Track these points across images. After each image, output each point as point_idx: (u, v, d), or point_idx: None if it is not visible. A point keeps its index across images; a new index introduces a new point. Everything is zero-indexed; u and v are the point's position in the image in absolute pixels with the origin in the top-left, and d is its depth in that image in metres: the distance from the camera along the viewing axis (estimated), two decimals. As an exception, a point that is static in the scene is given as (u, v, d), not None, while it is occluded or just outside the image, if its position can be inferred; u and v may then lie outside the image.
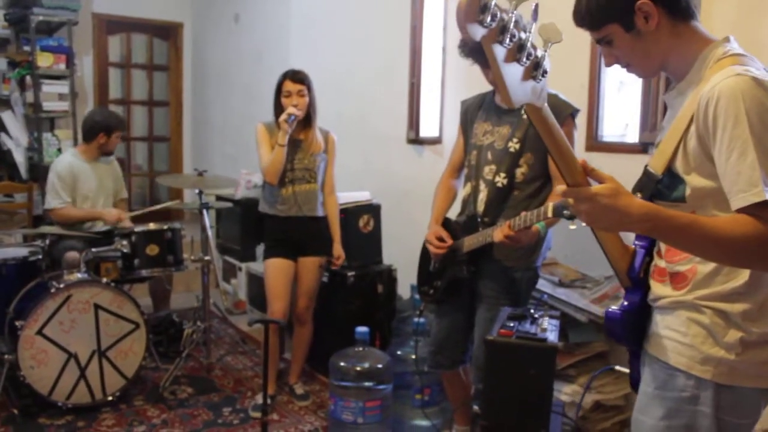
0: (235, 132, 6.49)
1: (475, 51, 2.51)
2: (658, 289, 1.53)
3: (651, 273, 1.56)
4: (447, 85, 4.07)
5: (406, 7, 4.26)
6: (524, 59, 1.15)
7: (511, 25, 1.09)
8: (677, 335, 1.47)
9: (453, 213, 2.88)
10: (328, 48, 5.07)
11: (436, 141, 4.11)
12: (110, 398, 3.53)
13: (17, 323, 3.33)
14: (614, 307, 1.59)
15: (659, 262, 1.54)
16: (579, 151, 2.96)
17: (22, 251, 4.16)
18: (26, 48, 5.95)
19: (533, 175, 2.60)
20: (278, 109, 3.43)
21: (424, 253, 2.91)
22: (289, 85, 3.41)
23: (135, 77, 7.49)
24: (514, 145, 2.57)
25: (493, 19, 1.06)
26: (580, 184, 1.31)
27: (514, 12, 1.10)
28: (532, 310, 2.40)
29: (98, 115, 4.42)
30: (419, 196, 3.92)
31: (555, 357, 2.19)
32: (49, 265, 4.04)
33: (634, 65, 1.55)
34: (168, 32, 7.48)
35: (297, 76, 3.42)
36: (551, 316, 2.37)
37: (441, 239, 2.73)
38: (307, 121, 3.46)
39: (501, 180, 2.60)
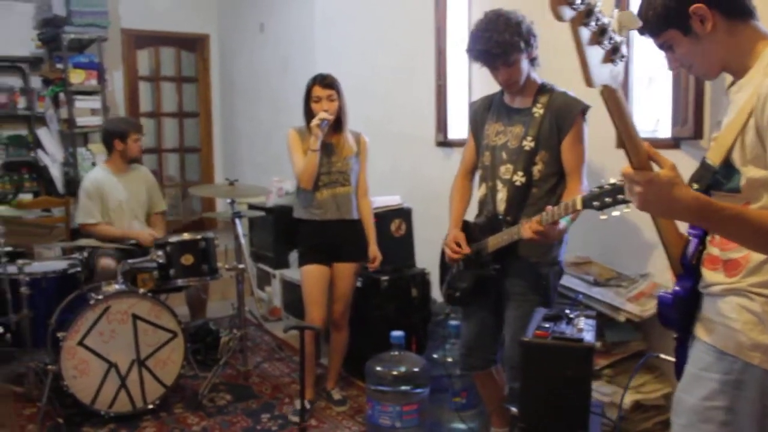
0: (264, 140, 6.55)
1: (482, 54, 2.53)
2: (710, 276, 1.56)
3: (703, 261, 1.60)
4: (474, 86, 4.06)
5: (430, 9, 4.27)
6: (606, 42, 1.20)
7: (596, 9, 1.14)
8: (727, 321, 1.49)
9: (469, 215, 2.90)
10: (353, 53, 5.09)
11: (464, 143, 4.08)
12: (151, 406, 3.58)
13: (59, 334, 3.40)
14: (666, 292, 1.64)
15: (712, 250, 1.57)
16: (609, 147, 2.94)
17: (62, 264, 4.26)
18: (59, 66, 6.09)
19: (549, 172, 2.62)
20: (308, 114, 3.45)
21: (444, 258, 2.93)
22: (318, 91, 3.43)
23: (164, 90, 7.61)
24: (528, 144, 2.59)
25: (582, 2, 1.11)
26: (643, 168, 1.35)
27: None
28: (567, 311, 2.39)
29: (109, 124, 4.50)
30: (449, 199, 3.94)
31: (592, 357, 2.18)
32: (88, 276, 4.14)
33: (695, 67, 1.59)
34: (195, 44, 7.58)
35: (326, 81, 3.44)
36: (587, 316, 2.35)
37: (458, 245, 2.75)
38: (338, 125, 3.48)
39: (519, 178, 2.62)
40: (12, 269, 3.73)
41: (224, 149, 7.71)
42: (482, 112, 2.81)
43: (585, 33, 1.17)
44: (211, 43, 7.57)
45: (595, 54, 1.22)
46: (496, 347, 2.84)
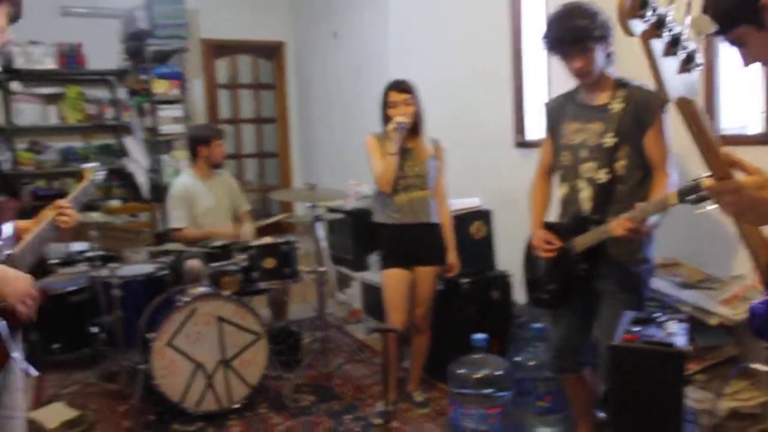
0: (340, 145, 6.62)
1: (556, 40, 2.50)
2: None
3: None
4: (553, 86, 4.01)
5: (505, 9, 4.23)
6: (680, 52, 1.16)
7: (668, 20, 1.10)
8: None
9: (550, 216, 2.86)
10: (427, 57, 5.10)
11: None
12: (236, 406, 3.66)
13: (149, 335, 3.52)
14: (758, 302, 1.56)
15: None
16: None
17: (150, 267, 4.42)
18: (143, 77, 6.32)
19: (633, 167, 2.56)
20: (385, 120, 3.47)
21: (528, 260, 2.89)
22: (394, 96, 3.45)
23: (242, 97, 7.79)
24: (609, 140, 2.53)
25: (653, 14, 1.07)
26: (725, 177, 1.30)
27: (672, 6, 1.10)
28: (656, 314, 2.33)
29: (193, 131, 4.63)
30: (529, 200, 3.89)
31: (685, 362, 2.12)
32: (175, 279, 4.27)
33: None
34: (271, 52, 7.74)
35: (402, 86, 3.46)
36: (677, 320, 2.29)
37: (549, 242, 2.71)
38: (414, 129, 3.49)
39: (603, 176, 2.56)
40: (104, 272, 3.89)
41: (301, 153, 7.84)
42: (558, 111, 2.78)
43: (657, 45, 1.12)
44: (287, 51, 7.72)
45: (669, 66, 1.17)
46: (586, 349, 2.79)
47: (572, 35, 2.44)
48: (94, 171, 2.34)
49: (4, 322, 1.74)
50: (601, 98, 2.60)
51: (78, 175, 6.27)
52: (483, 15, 4.49)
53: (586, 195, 2.62)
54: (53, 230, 1.99)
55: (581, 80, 2.61)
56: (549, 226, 2.80)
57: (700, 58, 1.22)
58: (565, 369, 2.85)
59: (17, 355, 1.84)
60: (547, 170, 2.91)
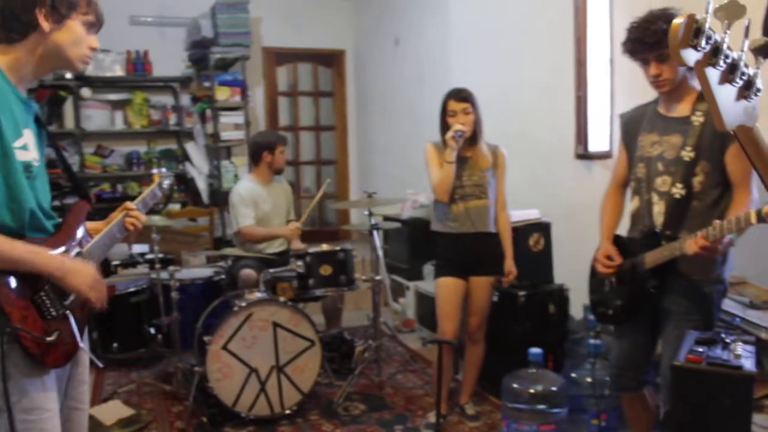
0: (398, 153, 6.62)
1: (635, 43, 2.43)
2: None
3: None
4: (616, 97, 3.93)
5: (569, 19, 4.17)
6: (737, 79, 1.10)
7: (724, 46, 1.04)
8: None
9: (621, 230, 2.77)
10: (490, 65, 5.06)
11: (605, 155, 3.96)
12: (288, 412, 3.67)
13: (205, 338, 3.56)
14: None
15: None
16: None
17: (207, 271, 4.49)
18: (206, 84, 6.45)
19: (712, 184, 2.44)
20: (444, 129, 3.45)
21: (595, 274, 2.81)
22: (453, 105, 3.43)
23: (302, 104, 7.87)
24: (688, 154, 2.43)
25: (707, 42, 1.01)
26: None
27: (727, 32, 1.05)
28: (722, 335, 2.24)
29: (258, 137, 4.68)
30: (590, 214, 3.78)
31: (752, 386, 2.02)
32: (231, 284, 4.33)
33: None
34: (331, 60, 7.80)
35: (461, 95, 3.44)
36: (745, 341, 2.19)
37: (610, 258, 2.64)
38: (473, 138, 3.46)
39: (678, 191, 2.46)
40: (164, 275, 3.96)
41: (359, 161, 7.87)
42: (635, 122, 2.68)
43: (713, 74, 1.06)
44: (347, 59, 7.77)
45: (727, 93, 1.10)
46: (648, 368, 2.70)
47: (650, 39, 2.36)
48: (163, 176, 2.40)
49: (73, 315, 1.80)
50: (681, 110, 2.50)
51: (140, 180, 6.47)
52: (546, 24, 4.44)
53: (659, 209, 2.52)
54: (120, 231, 2.05)
55: (658, 89, 2.51)
56: (618, 240, 2.72)
57: (760, 84, 1.16)
58: (626, 387, 2.76)
59: (85, 346, 1.90)
60: (621, 182, 2.81)
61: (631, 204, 2.68)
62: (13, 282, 1.66)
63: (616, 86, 3.91)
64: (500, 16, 4.96)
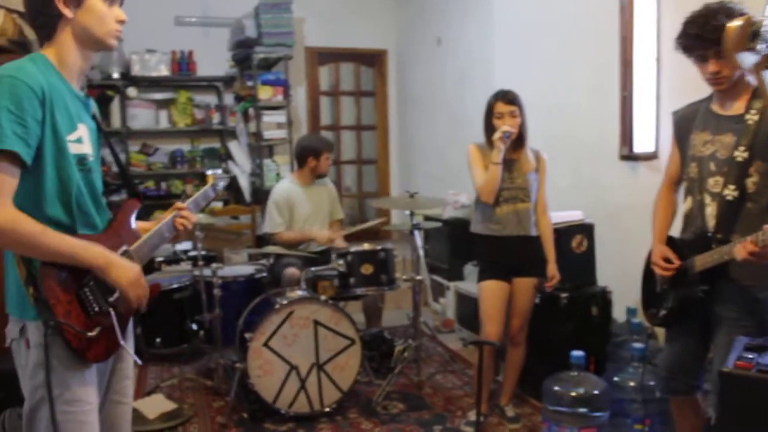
0: (440, 153, 6.60)
1: (694, 39, 2.34)
2: None
3: None
4: (662, 97, 3.85)
5: (615, 17, 4.10)
6: None
7: None
8: None
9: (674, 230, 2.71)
10: (533, 65, 5.01)
11: (651, 156, 3.89)
12: (327, 409, 3.69)
13: (246, 335, 3.60)
14: None
15: None
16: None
17: (249, 269, 4.53)
18: (249, 83, 6.51)
19: (766, 185, 2.37)
20: (489, 130, 3.42)
21: (648, 274, 2.75)
22: (500, 107, 3.40)
23: (343, 104, 7.90)
24: (741, 154, 2.36)
25: (764, 44, 0.99)
26: None
27: None
28: (773, 341, 2.17)
29: (305, 141, 4.71)
30: (634, 215, 3.74)
31: (806, 396, 1.96)
32: (272, 281, 4.37)
33: None
34: (373, 59, 7.81)
35: (508, 97, 3.40)
36: (796, 349, 2.13)
37: (668, 260, 2.58)
38: (519, 141, 3.43)
39: (731, 192, 2.39)
40: (207, 272, 4.01)
41: (400, 161, 7.87)
42: (687, 120, 2.60)
43: None
44: (389, 58, 7.78)
45: None
46: (700, 373, 2.64)
47: (711, 35, 2.26)
48: (217, 178, 2.42)
49: (116, 312, 1.82)
50: (736, 108, 2.42)
51: (184, 178, 6.55)
52: (591, 22, 4.38)
53: (711, 211, 2.45)
54: (170, 230, 2.07)
55: (715, 87, 2.43)
56: (671, 241, 2.65)
57: None
58: (676, 391, 2.70)
59: (127, 343, 1.92)
60: (674, 182, 2.74)
61: (684, 204, 2.61)
62: (59, 276, 1.70)
63: (662, 86, 3.84)
64: (544, 16, 4.91)
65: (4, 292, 1.79)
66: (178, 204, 2.13)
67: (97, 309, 1.77)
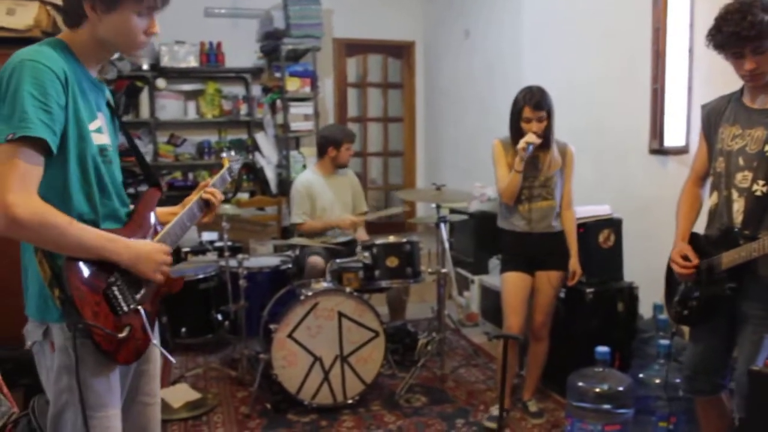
0: (467, 146, 6.56)
1: (731, 36, 2.26)
2: None
3: None
4: (694, 90, 3.78)
5: (647, 8, 4.03)
6: None
7: None
8: None
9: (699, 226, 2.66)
10: (562, 57, 4.95)
11: (682, 151, 3.83)
12: (350, 401, 3.70)
13: (271, 326, 3.61)
14: None
15: None
16: None
17: (274, 260, 4.55)
18: (277, 75, 6.51)
19: None
20: (517, 132, 3.38)
21: (671, 271, 2.71)
22: (528, 112, 3.34)
23: (371, 95, 7.90)
24: None
25: None
26: None
27: None
28: (805, 340, 2.13)
29: (326, 131, 4.72)
30: (664, 210, 3.67)
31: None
32: (297, 273, 4.38)
33: None
34: (401, 51, 7.78)
35: (537, 102, 3.33)
36: (829, 347, 2.09)
37: (686, 258, 2.53)
38: (545, 143, 3.39)
39: (760, 188, 2.34)
40: (233, 263, 4.04)
41: (427, 153, 7.85)
42: (717, 114, 2.55)
43: None
44: (417, 50, 7.74)
45: None
46: (725, 371, 2.59)
47: (748, 32, 2.21)
48: (231, 160, 2.38)
49: (144, 309, 1.78)
50: (767, 101, 2.39)
51: (211, 168, 6.59)
52: (622, 14, 4.30)
53: (738, 207, 2.40)
54: (199, 210, 2.04)
55: (752, 83, 2.37)
56: (695, 238, 2.60)
57: None
58: (700, 390, 2.66)
59: (157, 342, 1.87)
60: (701, 176, 2.68)
61: (709, 200, 2.56)
62: (85, 275, 1.64)
63: (694, 78, 3.77)
64: (574, 7, 4.84)
65: (22, 292, 1.74)
66: (202, 183, 2.12)
67: (125, 309, 1.71)
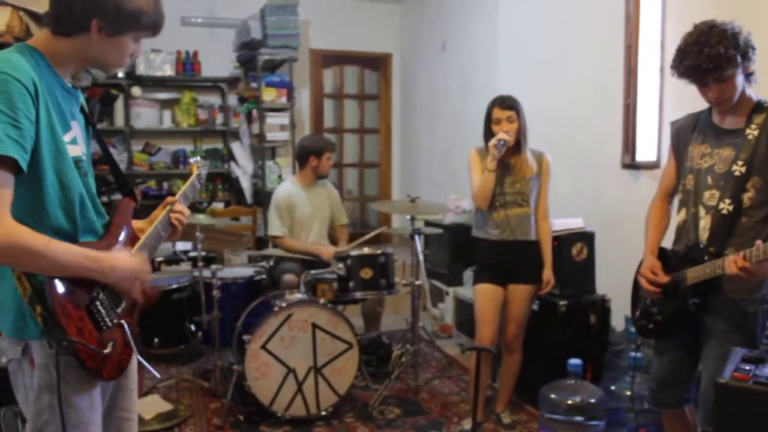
0: (442, 158, 6.60)
1: (691, 69, 2.31)
2: None
3: None
4: (665, 105, 3.85)
5: (620, 26, 4.10)
6: None
7: None
8: None
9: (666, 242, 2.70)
10: (536, 72, 5.01)
11: (653, 165, 3.88)
12: (323, 413, 3.69)
13: (244, 337, 3.60)
14: None
15: None
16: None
17: (249, 271, 4.53)
18: (253, 85, 6.51)
19: (762, 200, 2.35)
20: (488, 136, 3.43)
21: (638, 285, 2.74)
22: (498, 113, 3.40)
23: (347, 107, 7.91)
24: (739, 168, 2.35)
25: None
26: None
27: None
28: (770, 353, 2.16)
29: (306, 141, 4.71)
30: (635, 224, 3.71)
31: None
32: (271, 284, 4.36)
33: None
34: (378, 63, 7.82)
35: (506, 103, 3.41)
36: (794, 360, 2.12)
37: (655, 273, 2.57)
38: (517, 146, 3.43)
39: (726, 206, 2.37)
40: (206, 273, 4.01)
41: (402, 165, 7.88)
42: (686, 131, 2.59)
43: None
44: (394, 62, 7.79)
45: None
46: (690, 385, 2.63)
47: (708, 65, 2.24)
48: (200, 166, 2.34)
49: (127, 324, 1.76)
50: (736, 122, 2.41)
51: (186, 178, 6.55)
52: (596, 30, 4.37)
53: (705, 224, 2.44)
54: (166, 228, 1.98)
55: (720, 108, 2.42)
56: (663, 253, 2.64)
57: None
58: (665, 403, 2.69)
59: (141, 356, 1.85)
60: (668, 193, 2.73)
61: (677, 216, 2.60)
62: (68, 290, 1.59)
63: (665, 94, 3.83)
64: (549, 23, 4.91)
65: None
66: (169, 198, 2.04)
67: (109, 323, 1.67)
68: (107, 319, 1.68)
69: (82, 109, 1.80)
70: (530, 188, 3.47)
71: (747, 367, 2.03)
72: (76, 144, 1.69)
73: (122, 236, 1.82)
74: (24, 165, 1.51)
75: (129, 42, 1.71)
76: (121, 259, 1.72)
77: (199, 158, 2.39)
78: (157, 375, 1.93)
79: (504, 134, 3.32)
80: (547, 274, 3.50)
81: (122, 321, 1.74)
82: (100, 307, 1.66)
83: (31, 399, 1.65)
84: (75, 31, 1.65)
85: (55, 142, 1.60)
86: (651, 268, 2.57)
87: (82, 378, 1.65)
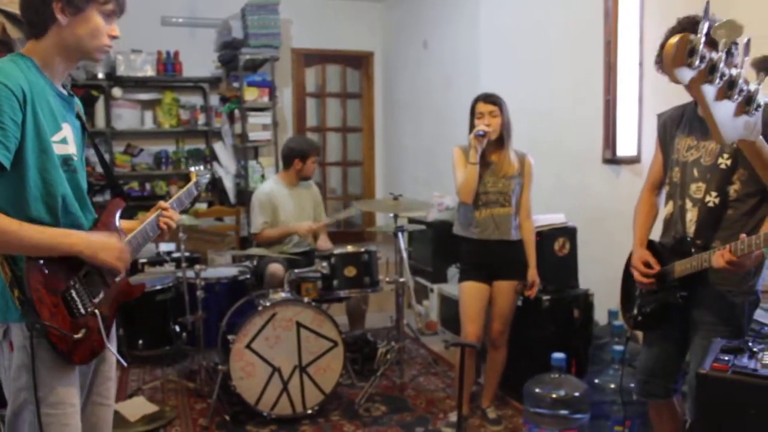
0: (425, 156, 6.62)
1: None
2: None
3: None
4: (645, 101, 3.88)
5: (599, 22, 4.13)
6: (735, 95, 1.10)
7: (721, 64, 1.05)
8: None
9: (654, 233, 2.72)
10: (518, 69, 5.04)
11: (634, 160, 3.92)
12: (309, 411, 3.69)
13: (229, 337, 3.59)
14: None
15: None
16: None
17: (233, 271, 4.52)
18: (235, 84, 6.50)
19: (748, 192, 2.37)
20: (471, 131, 3.45)
21: (627, 277, 2.76)
22: (481, 107, 3.42)
23: (330, 105, 7.91)
24: (725, 162, 2.36)
25: (701, 61, 1.02)
26: None
27: (724, 51, 1.05)
28: (750, 343, 2.19)
29: (293, 143, 4.70)
30: (617, 218, 3.77)
31: (780, 397, 1.98)
32: (256, 283, 4.36)
33: None
34: (360, 61, 7.82)
35: (489, 98, 3.44)
36: (773, 350, 2.15)
37: (647, 265, 2.59)
38: (500, 142, 3.44)
39: (712, 199, 2.39)
40: (190, 274, 4.00)
41: (385, 163, 7.89)
42: (672, 124, 2.60)
43: (710, 90, 1.06)
44: (376, 60, 7.79)
45: (725, 109, 1.09)
46: (678, 376, 2.66)
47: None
48: (200, 175, 2.40)
49: (101, 313, 1.83)
50: None
51: (168, 179, 6.52)
52: (575, 27, 4.40)
53: (691, 217, 2.45)
54: (153, 230, 2.06)
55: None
56: (651, 245, 2.65)
57: (762, 98, 1.15)
58: (653, 394, 2.71)
59: (111, 345, 1.92)
60: (656, 185, 2.74)
61: (665, 208, 2.62)
62: (46, 277, 1.69)
63: (645, 90, 3.87)
64: (529, 20, 4.94)
65: None
66: (161, 203, 2.11)
67: (83, 311, 1.77)
68: (81, 307, 1.77)
69: (78, 116, 1.92)
70: (512, 188, 3.48)
71: (726, 358, 2.06)
72: (65, 143, 1.79)
73: (109, 230, 1.91)
74: (6, 163, 1.63)
75: (96, 17, 1.78)
76: (97, 234, 1.83)
77: (201, 167, 2.43)
78: (124, 363, 2.00)
79: (484, 126, 3.34)
80: (533, 274, 3.52)
81: (96, 310, 1.82)
82: (75, 296, 1.76)
83: (11, 379, 1.75)
84: (46, 25, 1.75)
85: (40, 142, 1.71)
86: (641, 259, 2.59)
87: (56, 361, 1.73)
